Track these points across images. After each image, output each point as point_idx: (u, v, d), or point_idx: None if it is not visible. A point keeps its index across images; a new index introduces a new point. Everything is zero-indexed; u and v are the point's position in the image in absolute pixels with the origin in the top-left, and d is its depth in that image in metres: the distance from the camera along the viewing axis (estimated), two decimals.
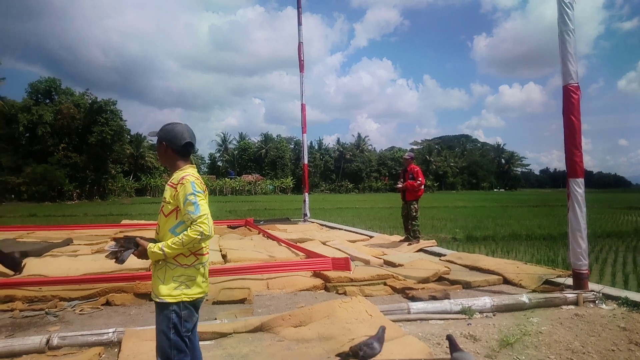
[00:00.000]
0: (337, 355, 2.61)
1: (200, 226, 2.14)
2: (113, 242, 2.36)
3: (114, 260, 2.31)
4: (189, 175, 2.26)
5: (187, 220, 2.18)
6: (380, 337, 2.79)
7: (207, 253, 2.37)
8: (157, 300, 2.25)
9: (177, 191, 2.23)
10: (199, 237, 2.14)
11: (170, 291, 2.22)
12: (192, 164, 2.42)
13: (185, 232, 2.16)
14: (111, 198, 49.13)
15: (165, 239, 2.23)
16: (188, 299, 2.24)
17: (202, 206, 2.19)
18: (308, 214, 15.90)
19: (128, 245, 2.28)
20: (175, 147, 2.37)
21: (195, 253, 2.27)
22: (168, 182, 2.33)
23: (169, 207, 2.27)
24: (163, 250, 2.17)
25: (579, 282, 4.98)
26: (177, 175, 2.29)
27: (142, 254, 2.25)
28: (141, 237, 2.32)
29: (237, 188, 72.30)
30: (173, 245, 2.16)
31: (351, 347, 2.67)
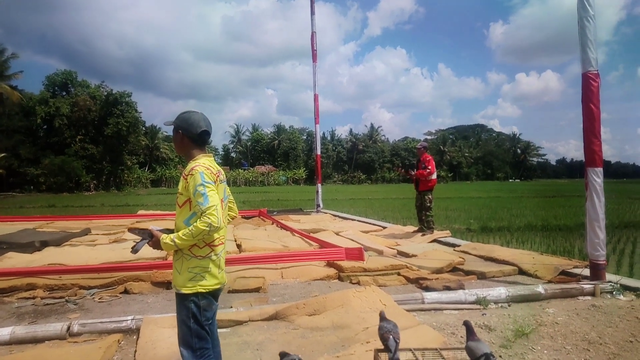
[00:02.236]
0: (379, 351, 2.62)
1: (208, 217, 2.11)
2: (133, 233, 2.39)
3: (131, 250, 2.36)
4: (198, 166, 2.23)
5: (198, 212, 2.16)
6: (388, 317, 2.76)
7: (222, 244, 2.36)
8: (176, 291, 2.29)
9: (187, 182, 2.22)
10: (208, 228, 2.11)
11: (186, 282, 2.23)
12: (207, 153, 2.40)
13: (194, 224, 2.14)
14: (127, 189, 49.80)
15: (180, 230, 2.23)
16: (204, 290, 2.24)
17: (211, 197, 2.16)
18: (321, 205, 15.92)
19: (143, 236, 2.31)
20: (192, 135, 2.35)
21: (209, 244, 2.26)
22: (182, 173, 2.33)
23: (182, 198, 2.27)
24: (174, 242, 2.18)
25: (596, 272, 4.91)
26: (188, 166, 2.28)
27: (156, 244, 2.26)
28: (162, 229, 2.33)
29: (251, 179, 72.68)
30: (183, 237, 2.16)
31: (383, 338, 2.63)
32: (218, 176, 2.31)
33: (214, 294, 2.32)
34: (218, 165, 2.46)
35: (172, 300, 4.77)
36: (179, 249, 2.23)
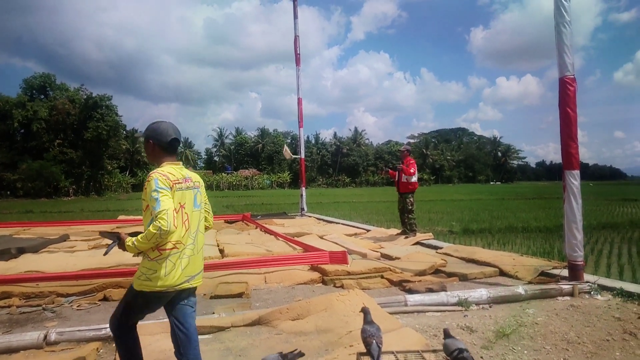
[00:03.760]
0: (362, 354, 2.65)
1: (159, 221, 2.21)
2: (103, 237, 2.51)
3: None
4: (155, 173, 2.36)
5: (153, 216, 2.27)
6: (372, 320, 2.78)
7: (173, 248, 2.35)
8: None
9: (146, 188, 2.35)
10: (158, 232, 2.21)
11: (136, 278, 2.38)
12: (177, 160, 2.53)
13: (148, 228, 2.26)
14: (108, 194, 48.87)
15: None
16: (147, 290, 2.33)
17: (163, 202, 2.26)
18: (305, 208, 15.91)
19: (113, 239, 2.45)
20: (162, 143, 2.49)
21: (158, 248, 2.33)
22: None
23: (144, 203, 2.42)
24: (134, 244, 2.30)
25: (575, 273, 5.01)
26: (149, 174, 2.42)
27: (123, 246, 2.39)
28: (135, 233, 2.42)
29: (234, 183, 72.02)
30: (141, 240, 2.28)
31: (366, 342, 2.64)
32: (179, 182, 2.40)
33: (158, 296, 2.36)
34: (198, 171, 2.49)
35: None
36: (140, 251, 2.34)
